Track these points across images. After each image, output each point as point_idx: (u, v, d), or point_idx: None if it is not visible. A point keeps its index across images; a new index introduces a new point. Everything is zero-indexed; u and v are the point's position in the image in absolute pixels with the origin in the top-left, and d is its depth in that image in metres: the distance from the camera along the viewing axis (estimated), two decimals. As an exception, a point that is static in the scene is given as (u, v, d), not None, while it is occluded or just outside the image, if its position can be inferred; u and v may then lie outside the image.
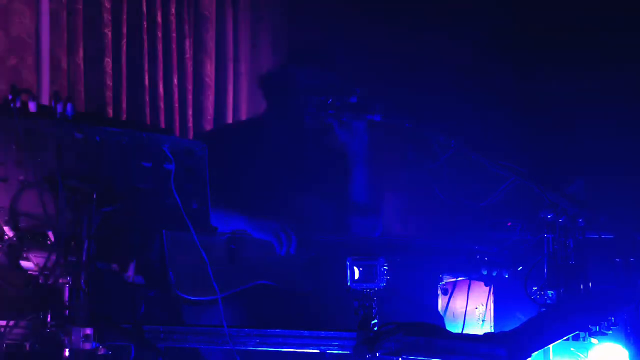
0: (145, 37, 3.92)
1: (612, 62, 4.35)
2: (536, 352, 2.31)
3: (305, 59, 3.22)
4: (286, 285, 2.98)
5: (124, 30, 3.83)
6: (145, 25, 3.93)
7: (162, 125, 3.94)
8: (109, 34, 3.75)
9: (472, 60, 4.54)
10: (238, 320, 2.61)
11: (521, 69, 4.59)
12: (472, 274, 3.08)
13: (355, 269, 2.21)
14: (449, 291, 3.25)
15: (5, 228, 2.25)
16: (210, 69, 4.25)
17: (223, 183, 2.94)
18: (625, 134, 4.20)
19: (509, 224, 3.09)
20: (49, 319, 2.16)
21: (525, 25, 4.53)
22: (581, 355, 2.88)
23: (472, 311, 3.29)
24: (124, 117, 3.78)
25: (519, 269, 2.80)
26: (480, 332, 3.24)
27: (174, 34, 4.06)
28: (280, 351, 2.31)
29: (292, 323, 2.43)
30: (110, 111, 3.72)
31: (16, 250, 2.25)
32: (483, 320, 3.36)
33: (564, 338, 2.52)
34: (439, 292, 3.24)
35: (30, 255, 2.25)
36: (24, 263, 2.27)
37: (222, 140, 3.21)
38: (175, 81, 4.07)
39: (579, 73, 4.47)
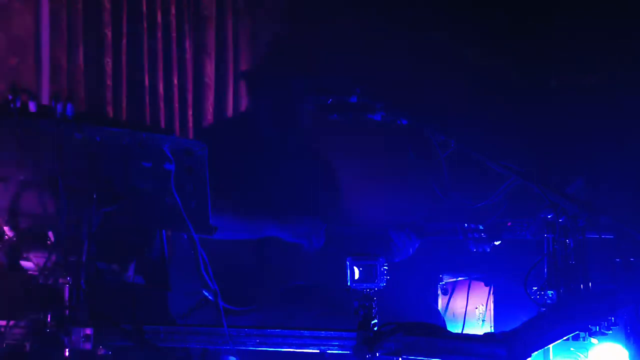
0: (145, 37, 3.92)
1: (613, 61, 4.35)
2: (536, 352, 2.31)
3: (299, 64, 3.20)
4: (320, 283, 2.97)
5: (124, 30, 3.83)
6: (145, 25, 3.93)
7: (162, 125, 3.94)
8: (109, 34, 3.75)
9: (472, 59, 4.54)
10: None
11: (521, 68, 4.59)
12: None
13: (355, 269, 2.21)
14: (449, 291, 3.24)
15: (5, 228, 2.25)
16: (210, 69, 4.25)
17: (231, 185, 2.94)
18: (625, 133, 4.20)
19: (509, 224, 3.10)
20: (49, 319, 2.15)
21: (526, 24, 4.53)
22: (581, 355, 2.88)
23: (472, 311, 3.29)
24: (124, 117, 3.78)
25: None
26: (480, 332, 3.23)
27: (174, 34, 4.07)
28: (280, 351, 2.31)
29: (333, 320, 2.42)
30: (110, 111, 3.72)
31: (16, 250, 2.25)
32: (483, 320, 3.36)
33: (564, 338, 2.52)
34: (439, 292, 3.24)
35: (30, 255, 2.25)
36: (24, 263, 2.26)
37: (221, 139, 3.20)
38: (175, 81, 4.07)
39: (579, 72, 4.47)
